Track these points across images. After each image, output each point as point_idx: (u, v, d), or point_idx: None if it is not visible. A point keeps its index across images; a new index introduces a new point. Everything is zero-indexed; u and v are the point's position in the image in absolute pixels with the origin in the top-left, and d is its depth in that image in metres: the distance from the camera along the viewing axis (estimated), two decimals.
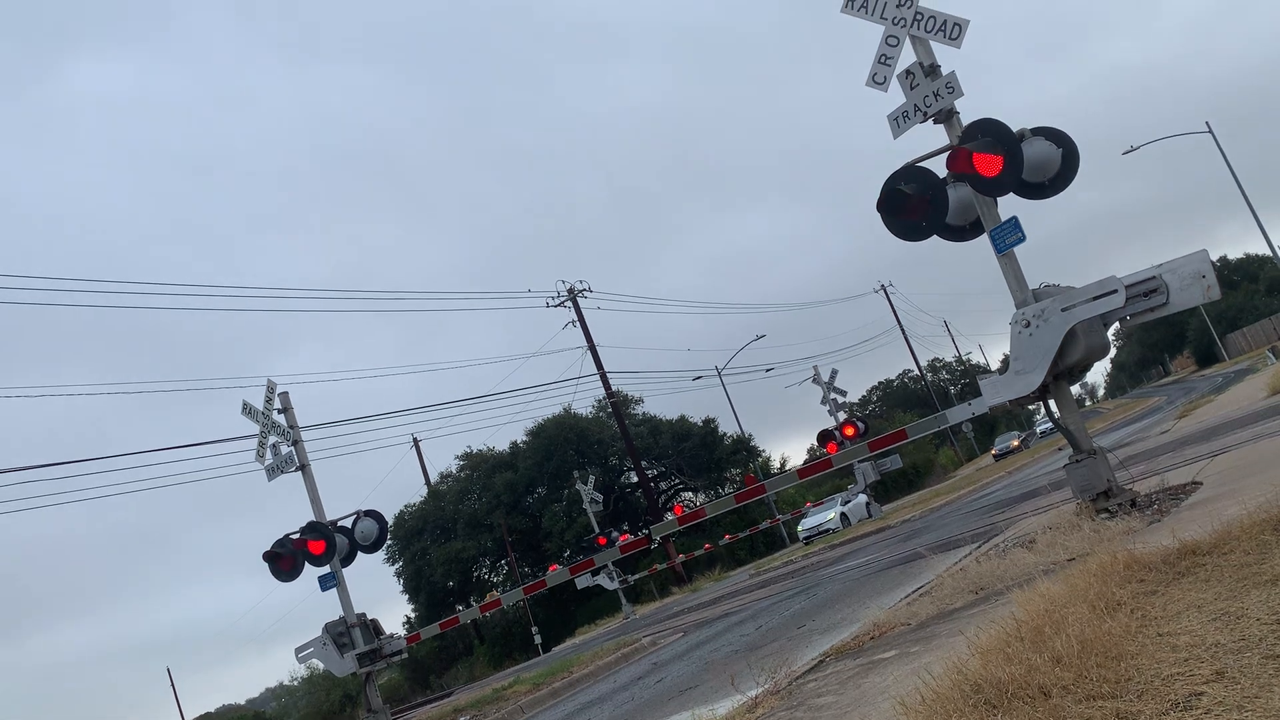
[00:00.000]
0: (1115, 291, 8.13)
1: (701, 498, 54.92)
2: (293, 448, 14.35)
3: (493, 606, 16.21)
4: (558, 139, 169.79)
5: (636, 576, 39.36)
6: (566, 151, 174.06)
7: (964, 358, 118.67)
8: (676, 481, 56.78)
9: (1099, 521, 7.98)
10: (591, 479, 41.24)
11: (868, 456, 11.82)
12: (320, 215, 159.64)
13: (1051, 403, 8.99)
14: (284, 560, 13.56)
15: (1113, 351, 9.17)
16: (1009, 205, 9.15)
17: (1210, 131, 37.98)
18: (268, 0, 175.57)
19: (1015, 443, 58.72)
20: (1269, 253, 40.53)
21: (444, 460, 75.59)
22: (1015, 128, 8.86)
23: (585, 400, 59.59)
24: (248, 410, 14.68)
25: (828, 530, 38.35)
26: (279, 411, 14.45)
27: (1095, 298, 8.23)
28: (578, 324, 45.20)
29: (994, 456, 59.62)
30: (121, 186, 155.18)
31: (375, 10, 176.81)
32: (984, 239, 9.16)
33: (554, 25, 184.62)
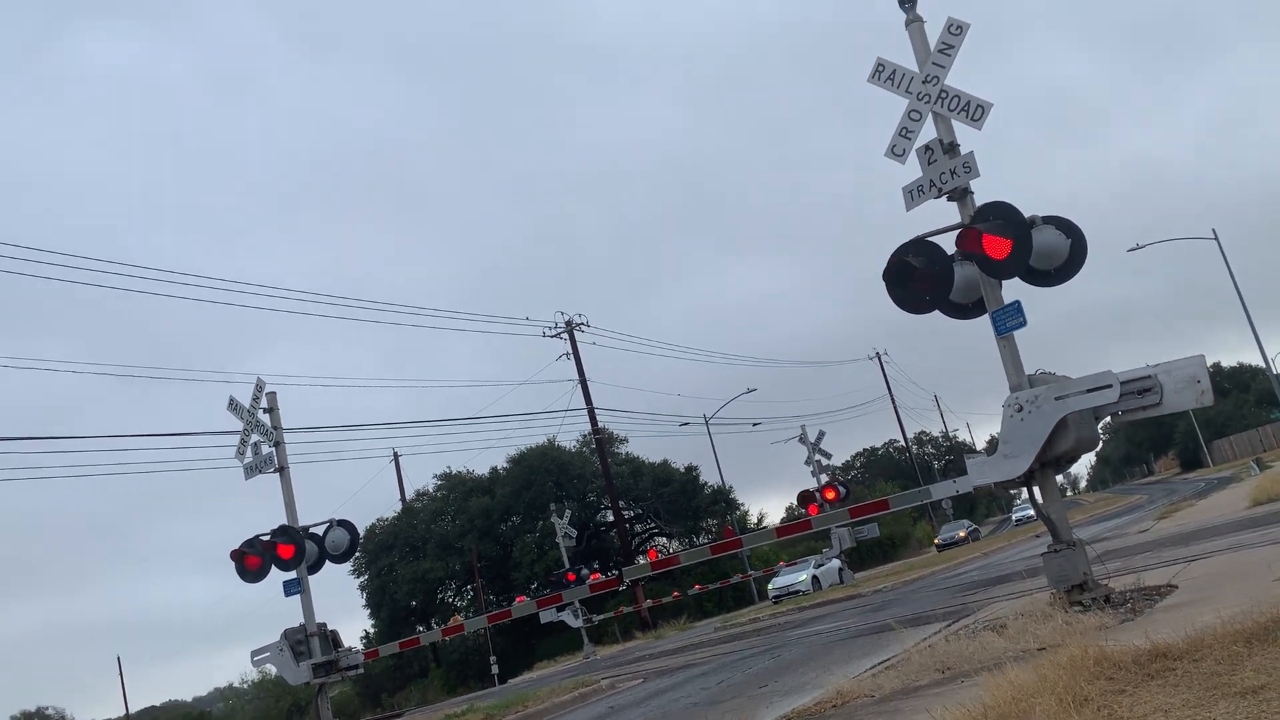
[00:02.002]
0: (1110, 386, 8.16)
1: (676, 545, 54.61)
2: (274, 449, 14.27)
3: (455, 631, 16.06)
4: (566, 167, 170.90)
5: (601, 617, 39.00)
6: (574, 180, 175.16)
7: (950, 434, 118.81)
8: (652, 525, 56.51)
9: (1072, 613, 7.95)
10: (568, 513, 41.03)
11: (847, 522, 11.79)
12: (319, 217, 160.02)
13: (1036, 490, 9.00)
14: (251, 561, 13.43)
15: (1100, 445, 9.19)
16: (1013, 289, 9.22)
17: (1216, 239, 38.38)
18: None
19: (962, 534, 56.27)
20: (1262, 364, 40.79)
21: (422, 478, 75.24)
22: (1026, 213, 8.95)
23: (570, 433, 59.52)
24: (233, 406, 14.60)
25: (798, 591, 38.12)
26: (265, 411, 14.38)
27: (1090, 390, 8.26)
28: (572, 357, 45.22)
29: (936, 546, 56.48)
30: (120, 164, 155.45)
31: (398, 20, 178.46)
32: (985, 319, 9.21)
33: (574, 54, 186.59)
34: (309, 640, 13.63)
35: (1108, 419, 9.22)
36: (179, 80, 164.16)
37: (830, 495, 22.63)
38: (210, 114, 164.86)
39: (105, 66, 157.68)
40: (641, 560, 50.40)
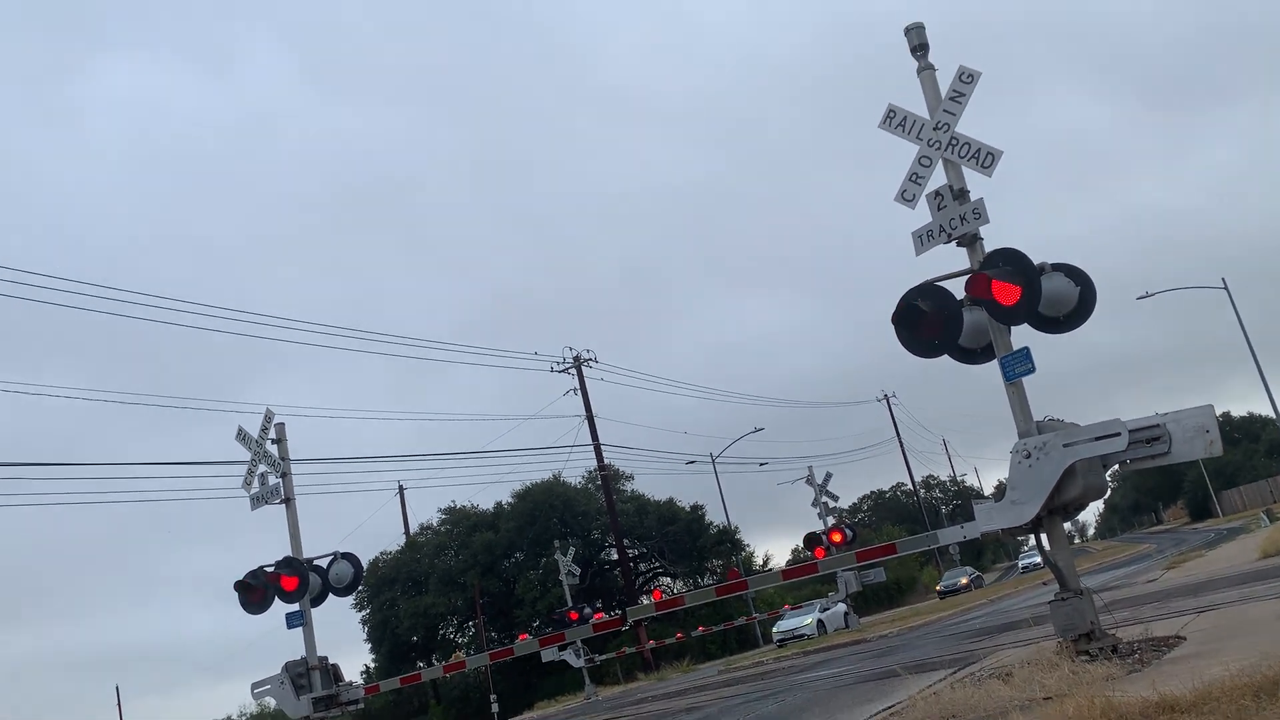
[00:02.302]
0: (1119, 435, 8.15)
1: (680, 585, 54.26)
2: (281, 480, 14.28)
3: (457, 668, 15.97)
4: (576, 203, 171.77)
5: (604, 657, 38.69)
6: (584, 216, 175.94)
7: (958, 478, 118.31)
8: (657, 565, 56.17)
9: (1079, 663, 7.89)
10: (572, 550, 40.82)
11: (854, 566, 11.74)
12: (329, 247, 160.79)
13: (1043, 537, 8.96)
14: (255, 592, 13.40)
15: (1108, 493, 9.17)
16: (1022, 335, 9.24)
17: (1225, 288, 38.40)
18: (304, 28, 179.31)
19: (964, 580, 55.68)
20: (1272, 414, 40.63)
21: (426, 511, 74.97)
22: (1036, 259, 8.99)
23: (576, 469, 59.34)
24: (242, 436, 14.63)
25: (803, 635, 37.81)
26: (273, 441, 14.42)
27: (1098, 438, 8.25)
28: (579, 392, 45.23)
29: (938, 594, 55.67)
30: (131, 192, 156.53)
31: (414, 58, 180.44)
32: (994, 364, 9.23)
33: (586, 94, 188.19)
34: (310, 674, 13.56)
35: (1116, 467, 9.20)
36: (196, 111, 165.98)
37: (837, 538, 22.56)
38: (226, 144, 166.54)
39: (124, 97, 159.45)
40: (646, 600, 50.13)
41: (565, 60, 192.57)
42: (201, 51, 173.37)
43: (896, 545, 10.82)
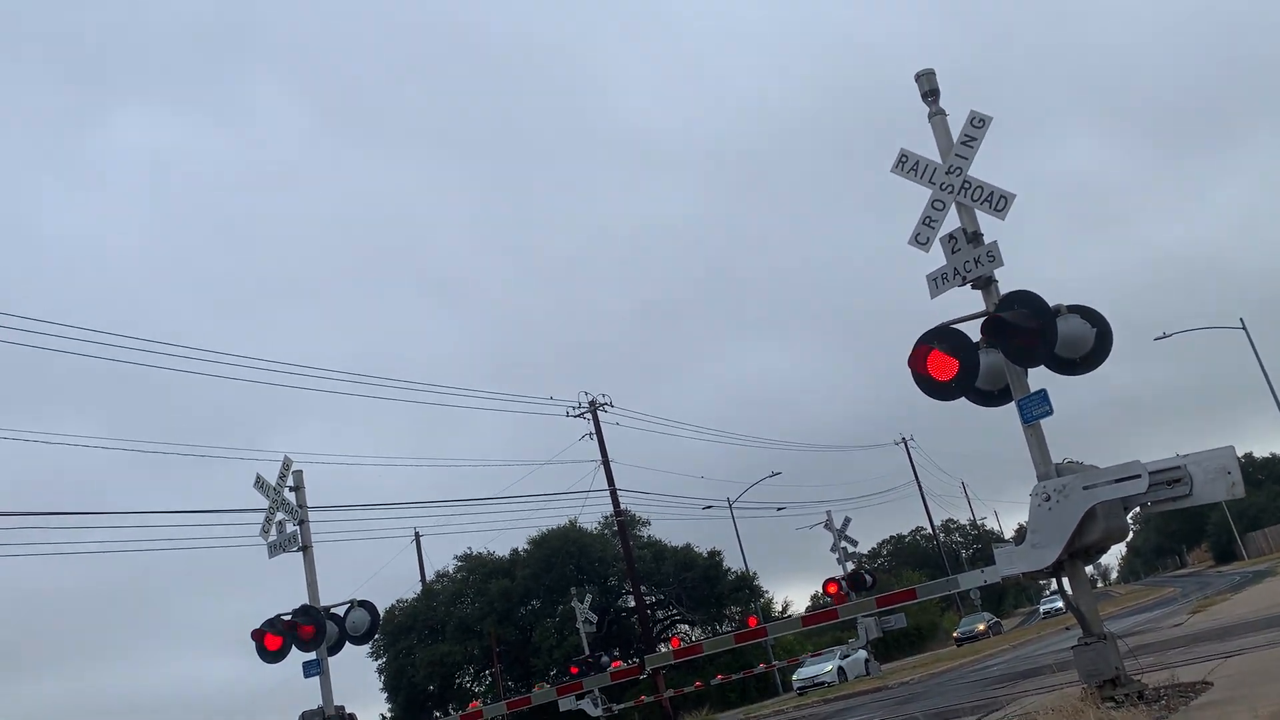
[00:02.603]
0: (1139, 477, 8.10)
1: (698, 632, 53.73)
2: (298, 527, 14.30)
3: (474, 719, 15.82)
4: (591, 248, 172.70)
5: (621, 706, 38.21)
6: (599, 261, 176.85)
7: (978, 522, 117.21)
8: (674, 612, 55.69)
9: (1104, 710, 7.77)
10: (589, 598, 40.53)
11: (873, 612, 11.64)
12: (345, 295, 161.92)
13: (1065, 581, 8.87)
14: (272, 640, 13.37)
15: (1130, 535, 9.08)
16: (1039, 377, 9.22)
17: (1244, 328, 38.23)
18: (320, 79, 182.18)
19: (982, 627, 54.45)
20: None
21: (443, 558, 74.68)
22: (1051, 301, 9.00)
23: (592, 515, 59.05)
24: (260, 484, 14.69)
25: (824, 683, 37.34)
26: (291, 489, 14.46)
27: (1118, 480, 8.20)
28: (594, 437, 45.15)
29: (955, 641, 54.42)
30: (150, 241, 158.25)
31: (427, 101, 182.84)
32: (1011, 407, 9.21)
33: (601, 140, 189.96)
34: None
35: (1137, 509, 9.13)
36: (213, 161, 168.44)
37: (832, 589, 22.34)
38: (243, 193, 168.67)
39: (141, 147, 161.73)
40: (664, 648, 49.65)
41: (579, 106, 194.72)
42: (218, 102, 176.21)
43: (917, 590, 10.72)
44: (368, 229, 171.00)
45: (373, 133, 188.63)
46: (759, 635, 12.17)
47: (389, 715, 54.31)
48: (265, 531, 14.53)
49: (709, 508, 55.15)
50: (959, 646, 49.99)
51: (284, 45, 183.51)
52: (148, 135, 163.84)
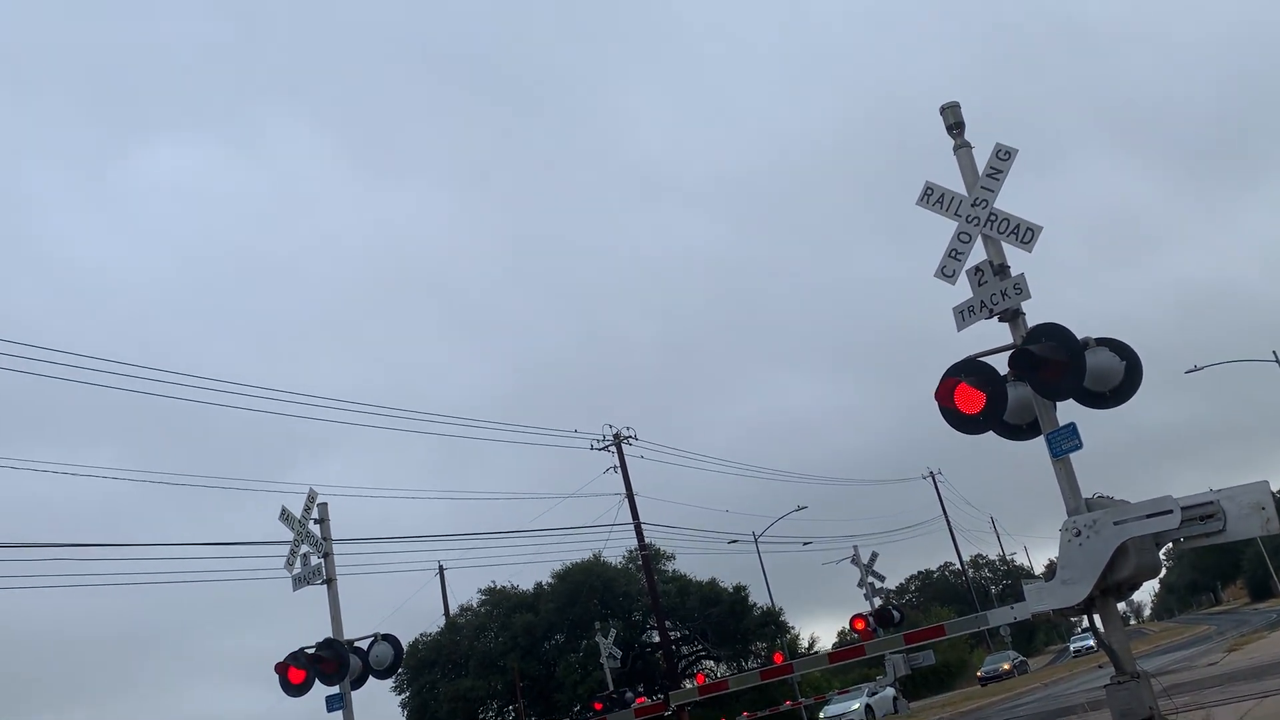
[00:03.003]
0: (1171, 512, 7.97)
1: (723, 668, 53.19)
2: (323, 560, 14.31)
3: None
4: (616, 279, 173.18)
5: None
6: (623, 292, 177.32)
7: (1008, 557, 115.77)
8: (699, 648, 55.19)
9: None
10: (613, 633, 40.24)
11: (902, 648, 11.47)
12: (368, 326, 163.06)
13: (1096, 618, 8.72)
14: (296, 674, 13.34)
15: (1163, 572, 8.93)
16: (1068, 411, 9.12)
17: (1277, 361, 37.75)
18: (343, 111, 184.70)
19: (1006, 666, 53.06)
20: None
21: (466, 591, 74.51)
22: (1079, 334, 8.92)
23: (616, 549, 58.69)
24: (285, 516, 14.73)
25: None
26: (315, 522, 14.49)
27: (1150, 515, 8.07)
28: (619, 470, 45.04)
29: (979, 680, 53.06)
30: (174, 273, 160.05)
31: (450, 133, 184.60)
32: (1040, 441, 9.11)
33: (625, 171, 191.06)
34: None
35: (1170, 545, 8.98)
36: (238, 193, 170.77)
37: (859, 625, 22.07)
38: (267, 225, 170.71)
39: (166, 180, 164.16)
40: (689, 685, 49.14)
41: (604, 138, 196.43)
42: (243, 135, 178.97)
43: (945, 627, 10.57)
44: (392, 261, 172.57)
45: (398, 165, 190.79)
46: (785, 672, 12.02)
47: None
48: (290, 564, 14.54)
49: (734, 542, 54.84)
50: (983, 686, 48.98)
51: (309, 77, 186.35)
52: (174, 167, 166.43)
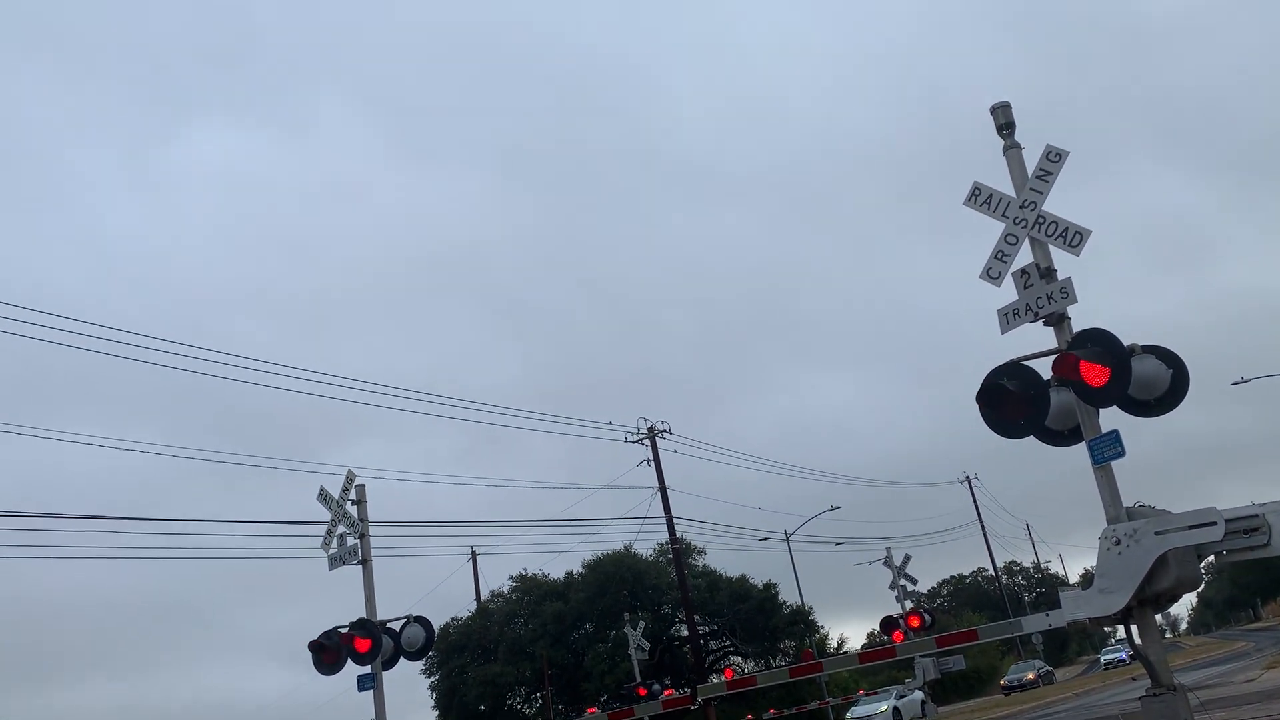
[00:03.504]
0: (1214, 524, 7.85)
1: (751, 665, 53.11)
2: (359, 541, 14.47)
3: None
4: (652, 273, 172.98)
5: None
6: (660, 286, 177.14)
7: (1042, 565, 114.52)
8: (727, 643, 55.14)
9: None
10: (641, 625, 40.33)
11: (932, 652, 11.40)
12: (406, 312, 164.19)
13: (1133, 629, 8.61)
14: (329, 653, 13.51)
15: (1202, 585, 8.79)
16: (1111, 419, 9.00)
17: None
18: (386, 97, 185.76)
19: (1031, 675, 51.78)
20: None
21: (497, 578, 74.94)
22: (1126, 340, 8.80)
23: (647, 541, 58.81)
24: (323, 496, 14.90)
25: None
26: (353, 503, 14.65)
27: (1193, 527, 7.95)
28: (652, 464, 45.09)
29: (1003, 689, 51.67)
30: (216, 255, 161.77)
31: (495, 128, 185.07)
32: (1081, 447, 9.00)
33: (664, 165, 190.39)
34: None
35: (1211, 558, 8.84)
36: (278, 176, 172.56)
37: (915, 622, 21.94)
38: (310, 212, 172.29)
39: (209, 163, 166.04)
40: (716, 679, 49.16)
41: (645, 131, 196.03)
42: (284, 118, 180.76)
43: (978, 631, 10.49)
44: (431, 247, 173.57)
45: (440, 151, 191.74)
46: (814, 670, 12.00)
47: None
48: (326, 544, 14.72)
49: (766, 539, 54.72)
50: (1006, 695, 47.72)
51: (352, 64, 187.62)
52: (217, 149, 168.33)
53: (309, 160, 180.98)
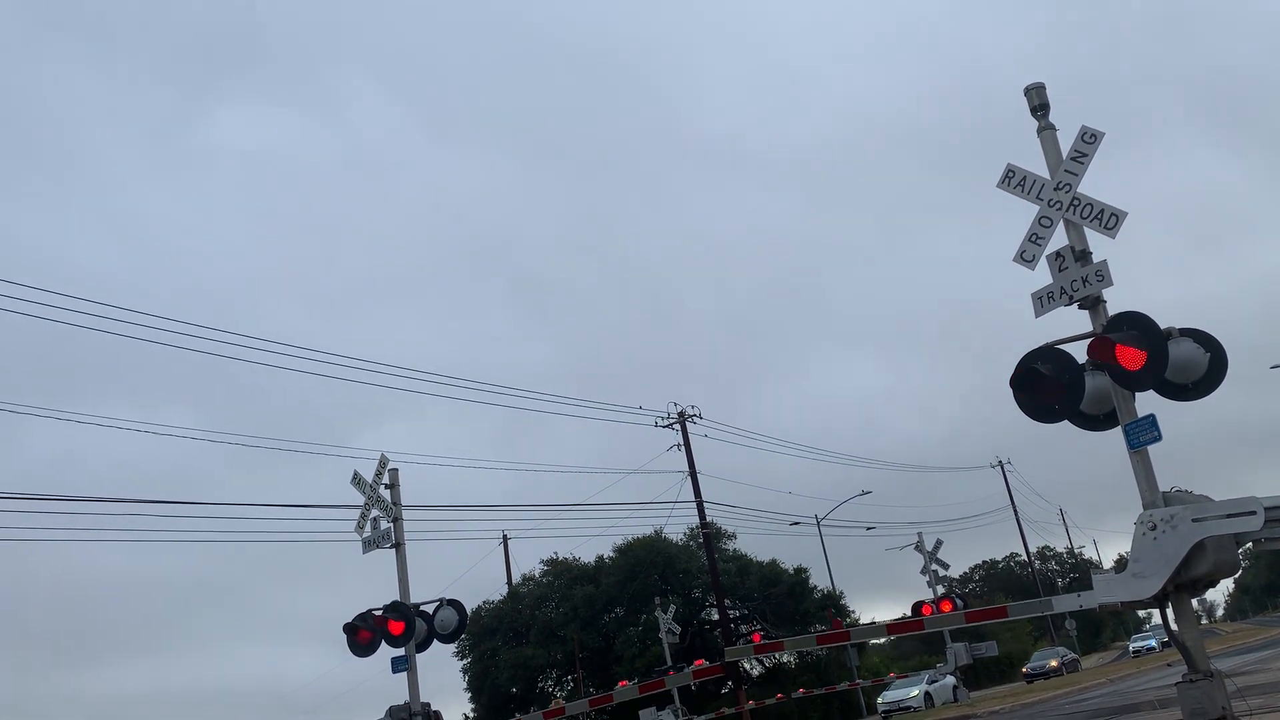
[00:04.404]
0: (1254, 513, 7.76)
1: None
2: (392, 524, 14.61)
3: (556, 714, 15.90)
4: (681, 254, 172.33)
5: (703, 718, 38.08)
6: (689, 268, 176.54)
7: (1076, 550, 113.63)
8: (757, 627, 55.20)
9: None
10: (672, 608, 40.48)
11: (961, 625, 11.39)
12: (436, 294, 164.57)
13: (1170, 614, 8.54)
14: (363, 635, 13.67)
15: (1239, 571, 8.72)
16: (1147, 403, 8.91)
17: None
18: (413, 77, 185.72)
19: (1055, 663, 49.97)
20: None
21: (529, 562, 75.43)
22: (1162, 323, 8.69)
23: (677, 526, 58.91)
24: (357, 480, 15.04)
25: (910, 707, 36.62)
26: (386, 487, 14.78)
27: (1231, 515, 7.86)
28: (683, 448, 45.13)
29: (1025, 676, 50.20)
30: (246, 237, 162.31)
31: (516, 103, 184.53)
32: (1116, 431, 8.91)
33: (691, 145, 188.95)
34: (412, 718, 13.72)
35: (1250, 544, 8.75)
36: (308, 157, 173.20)
37: (946, 608, 21.84)
38: (339, 194, 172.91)
39: (238, 144, 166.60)
40: (747, 662, 49.22)
41: (672, 110, 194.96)
42: (314, 99, 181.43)
43: (1008, 609, 10.46)
44: (459, 230, 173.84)
45: (467, 133, 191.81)
46: (842, 638, 12.01)
47: (472, 715, 55.00)
48: (360, 528, 14.87)
49: (796, 524, 54.70)
50: (1029, 683, 46.14)
51: (382, 43, 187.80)
52: (245, 130, 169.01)
53: (336, 140, 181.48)
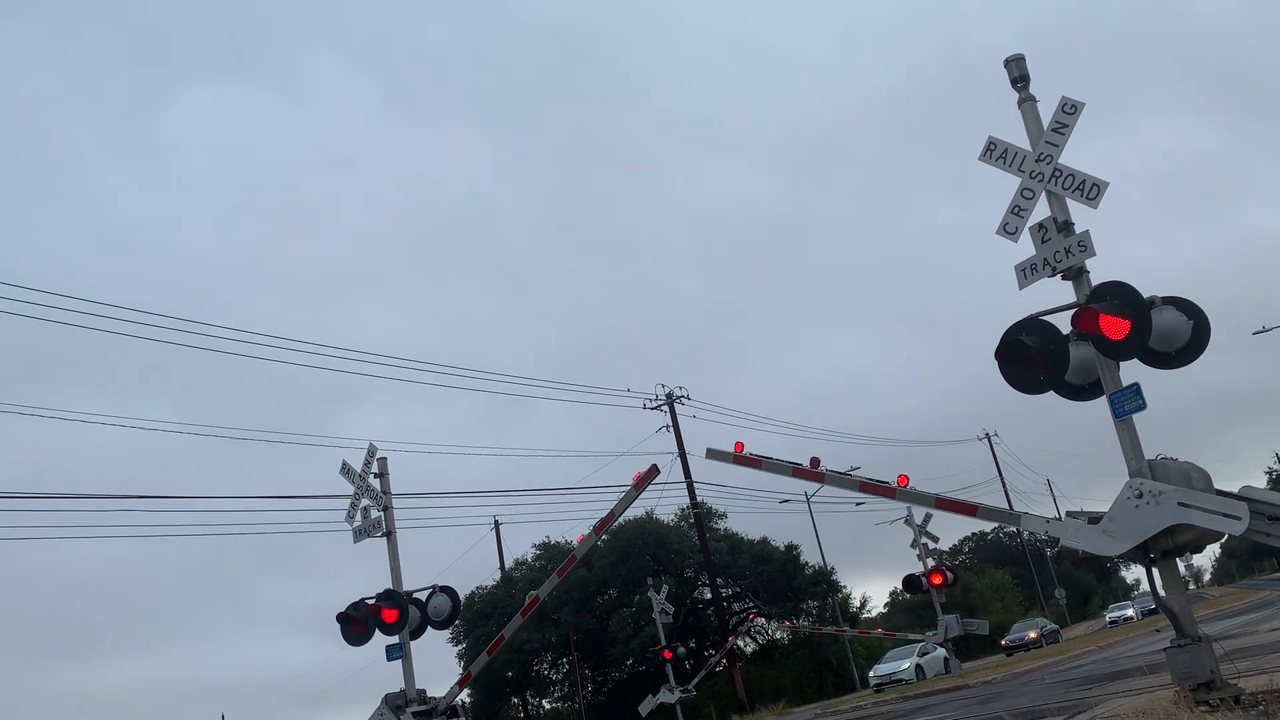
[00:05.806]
0: (1240, 519, 7.82)
1: (775, 626, 53.50)
2: (382, 513, 14.60)
3: (532, 606, 15.74)
4: (663, 234, 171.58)
5: (696, 679, 38.31)
6: (672, 248, 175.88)
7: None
8: (750, 605, 55.52)
9: (1198, 713, 7.55)
10: (665, 589, 40.63)
11: (928, 507, 11.40)
12: (414, 279, 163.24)
13: (1156, 579, 8.62)
14: (356, 624, 13.68)
15: (1225, 537, 8.82)
16: (1131, 371, 8.96)
17: None
18: (383, 57, 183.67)
19: (1033, 634, 49.03)
20: None
21: (520, 546, 75.54)
22: (1145, 291, 8.73)
23: (668, 507, 59.13)
24: (345, 470, 15.02)
25: (901, 680, 36.89)
26: (375, 476, 14.76)
27: (1215, 512, 7.91)
28: (671, 430, 45.23)
29: (1004, 649, 49.28)
30: (217, 224, 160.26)
31: (495, 84, 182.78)
32: (1102, 401, 8.97)
33: (671, 122, 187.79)
34: (409, 705, 13.74)
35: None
36: (280, 143, 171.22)
37: (936, 580, 22.08)
38: (311, 178, 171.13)
39: (208, 130, 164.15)
40: (741, 641, 49.38)
41: (648, 86, 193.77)
42: (284, 84, 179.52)
43: (978, 509, 10.64)
44: (435, 212, 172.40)
45: (440, 114, 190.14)
46: (819, 479, 11.73)
47: (468, 700, 55.18)
48: (350, 517, 14.86)
49: (786, 501, 54.89)
50: (1008, 656, 45.37)
51: (350, 23, 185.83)
52: (213, 116, 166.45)
53: (306, 123, 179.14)
